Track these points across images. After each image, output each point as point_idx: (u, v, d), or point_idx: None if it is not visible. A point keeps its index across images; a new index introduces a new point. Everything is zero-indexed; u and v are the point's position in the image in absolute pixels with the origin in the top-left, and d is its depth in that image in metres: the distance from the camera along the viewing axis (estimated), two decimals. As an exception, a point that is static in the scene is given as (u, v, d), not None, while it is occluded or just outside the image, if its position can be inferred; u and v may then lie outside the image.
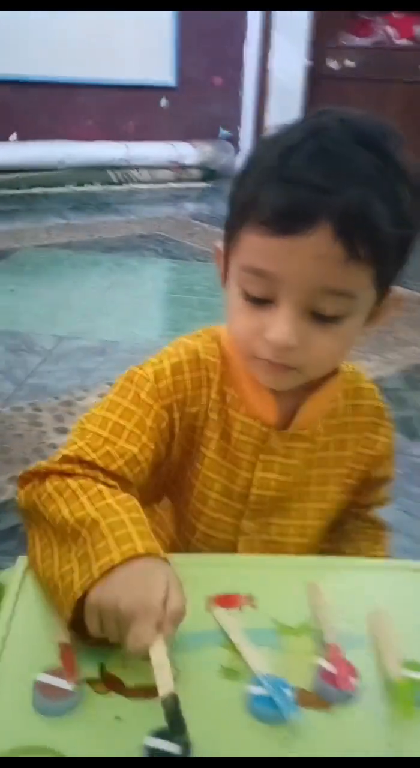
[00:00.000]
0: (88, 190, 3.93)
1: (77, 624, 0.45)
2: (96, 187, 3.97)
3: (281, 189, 0.47)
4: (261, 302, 0.50)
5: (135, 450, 0.54)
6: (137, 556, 0.45)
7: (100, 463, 0.52)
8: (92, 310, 2.25)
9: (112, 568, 0.44)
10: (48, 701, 0.41)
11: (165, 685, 0.40)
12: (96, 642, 0.45)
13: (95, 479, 0.51)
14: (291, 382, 0.54)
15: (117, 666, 0.45)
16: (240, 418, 0.58)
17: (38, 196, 3.74)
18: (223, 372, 0.59)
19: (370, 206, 0.46)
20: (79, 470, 0.52)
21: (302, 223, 0.46)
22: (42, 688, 0.42)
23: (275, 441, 0.59)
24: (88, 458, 0.52)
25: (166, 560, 0.47)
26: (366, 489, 0.66)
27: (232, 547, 0.61)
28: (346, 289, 0.49)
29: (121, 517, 0.47)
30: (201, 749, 0.39)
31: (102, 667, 0.44)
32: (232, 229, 0.52)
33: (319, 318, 0.50)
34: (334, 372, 0.59)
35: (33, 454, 1.41)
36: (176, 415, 0.57)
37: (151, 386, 0.56)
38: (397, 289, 0.54)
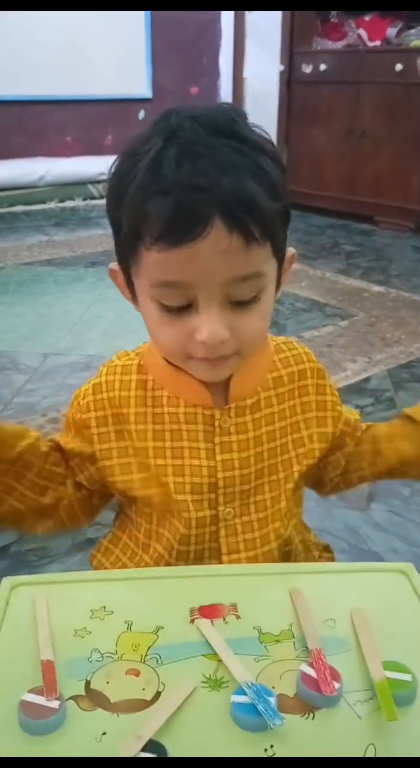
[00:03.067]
0: (70, 206, 3.94)
1: None
2: (77, 203, 3.98)
3: (163, 201, 0.48)
4: (181, 309, 0.52)
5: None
6: None
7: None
8: (77, 325, 2.26)
9: None
10: (33, 720, 0.41)
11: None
12: None
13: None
14: (232, 369, 0.57)
15: (102, 682, 0.45)
16: (182, 411, 0.61)
17: (19, 214, 3.74)
18: (151, 380, 0.61)
19: (248, 188, 0.48)
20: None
21: (195, 226, 0.47)
22: (27, 708, 0.42)
23: (223, 420, 0.60)
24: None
25: None
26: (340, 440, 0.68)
27: (214, 538, 0.61)
28: (254, 271, 0.51)
29: None
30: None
31: (87, 684, 0.45)
32: (126, 250, 0.53)
33: (239, 304, 0.52)
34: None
35: (22, 473, 1.41)
36: (96, 431, 0.61)
37: (75, 405, 0.63)
38: (289, 249, 0.58)
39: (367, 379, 1.87)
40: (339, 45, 3.77)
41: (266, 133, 0.54)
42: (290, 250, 0.58)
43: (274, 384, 0.63)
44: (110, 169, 0.54)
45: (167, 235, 0.48)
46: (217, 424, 0.61)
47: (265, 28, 3.94)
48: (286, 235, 0.56)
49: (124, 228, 0.52)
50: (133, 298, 0.58)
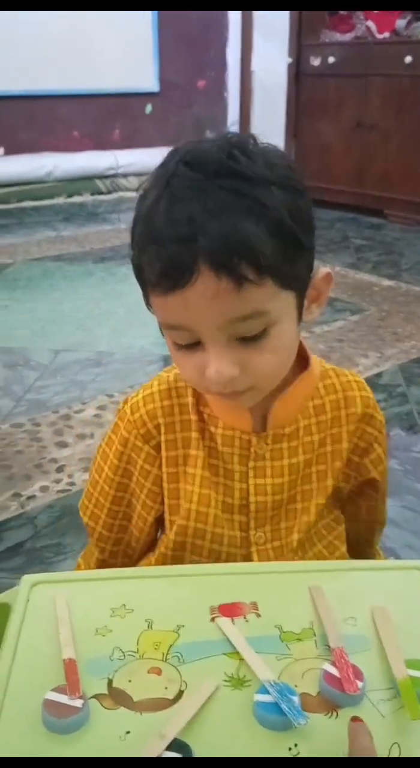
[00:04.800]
0: (78, 201, 3.94)
1: None
2: (85, 198, 3.98)
3: (155, 252, 0.49)
4: (192, 346, 0.52)
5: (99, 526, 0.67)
6: None
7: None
8: (86, 321, 2.26)
9: None
10: (57, 719, 0.42)
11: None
12: None
13: None
14: (253, 400, 0.56)
15: (124, 681, 0.45)
16: (220, 432, 0.61)
17: (28, 209, 3.75)
18: (198, 394, 0.62)
19: (237, 231, 0.46)
20: None
21: (183, 275, 0.47)
22: (50, 706, 0.42)
23: (260, 446, 0.61)
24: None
25: None
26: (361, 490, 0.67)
27: (246, 560, 0.62)
28: (252, 311, 0.49)
29: None
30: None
31: (109, 683, 0.45)
32: (141, 288, 0.54)
33: (247, 340, 0.51)
34: (302, 369, 0.61)
35: (34, 470, 1.42)
36: (154, 442, 0.62)
37: (128, 419, 0.63)
38: (321, 269, 0.55)
39: (379, 375, 1.86)
40: (347, 37, 3.74)
41: (280, 153, 0.52)
42: (322, 271, 0.56)
43: (315, 412, 0.62)
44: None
45: (160, 283, 0.49)
46: (253, 450, 0.61)
47: (273, 20, 3.91)
48: (309, 261, 0.53)
49: (135, 267, 0.53)
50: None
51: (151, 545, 0.68)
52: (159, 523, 0.66)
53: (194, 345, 0.52)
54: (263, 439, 0.61)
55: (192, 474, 0.62)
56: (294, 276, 0.51)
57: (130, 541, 0.67)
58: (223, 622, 0.49)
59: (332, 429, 0.63)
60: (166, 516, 0.64)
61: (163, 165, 0.51)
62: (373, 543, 0.73)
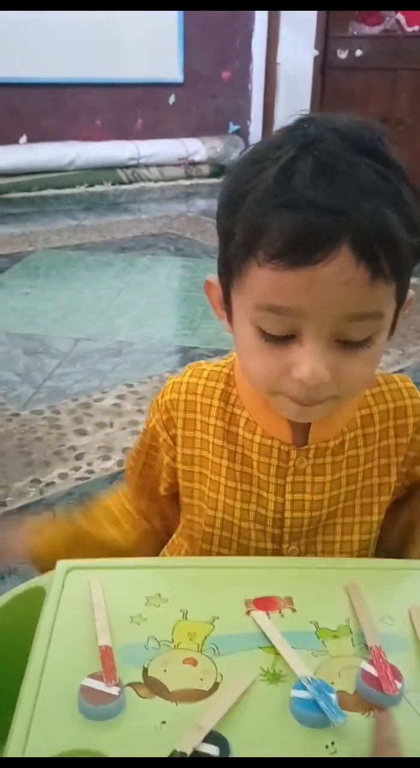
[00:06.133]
0: (99, 191, 3.94)
1: None
2: (106, 187, 3.98)
3: (289, 216, 0.43)
4: (281, 339, 0.47)
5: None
6: None
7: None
8: (107, 311, 2.26)
9: None
10: (94, 706, 0.41)
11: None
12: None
13: None
14: (326, 412, 0.51)
15: (159, 670, 0.45)
16: (257, 440, 0.57)
17: (49, 198, 3.76)
18: (235, 396, 0.58)
19: (386, 218, 0.43)
20: None
21: (319, 250, 0.42)
22: (87, 693, 0.42)
23: (300, 460, 0.56)
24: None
25: None
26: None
27: None
28: (374, 311, 0.46)
29: None
30: (244, 753, 0.39)
31: (145, 671, 0.45)
32: (233, 264, 0.47)
33: (349, 344, 0.47)
34: None
35: (53, 457, 1.42)
36: (173, 431, 0.60)
37: (156, 399, 0.61)
38: (409, 291, 0.52)
39: (400, 372, 1.84)
40: (376, 30, 3.69)
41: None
42: (410, 293, 0.51)
43: (362, 423, 0.57)
44: (227, 176, 0.49)
45: (286, 254, 0.43)
46: (291, 463, 0.56)
47: (300, 12, 3.87)
48: (411, 276, 0.49)
49: (237, 238, 0.46)
50: (228, 317, 0.53)
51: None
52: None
53: (285, 339, 0.47)
54: (304, 453, 0.56)
55: (216, 482, 0.59)
56: (406, 286, 0.48)
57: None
58: (259, 615, 0.49)
59: (381, 442, 0.58)
60: (182, 513, 0.63)
61: (298, 128, 0.46)
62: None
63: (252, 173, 0.46)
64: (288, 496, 0.57)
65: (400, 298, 0.49)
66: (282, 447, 0.56)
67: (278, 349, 0.47)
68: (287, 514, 0.57)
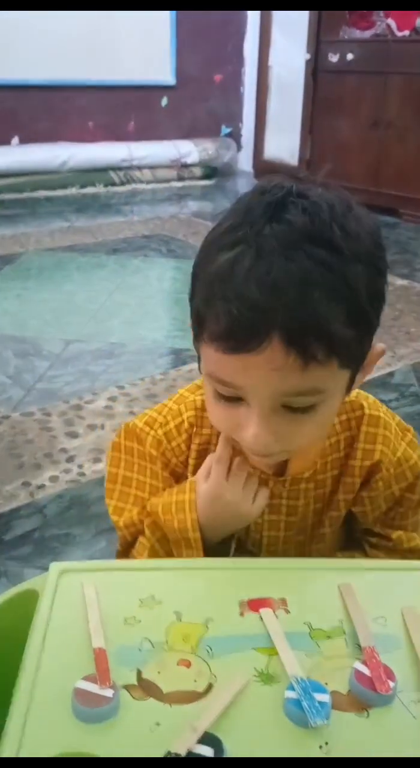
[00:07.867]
0: (91, 192, 3.93)
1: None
2: (99, 189, 3.97)
3: (224, 308, 0.46)
4: (233, 399, 0.50)
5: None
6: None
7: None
8: (98, 312, 2.25)
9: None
10: (87, 708, 0.41)
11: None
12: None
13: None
14: (278, 461, 0.56)
15: (153, 672, 0.45)
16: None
17: (41, 199, 3.74)
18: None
19: (320, 309, 0.45)
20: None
21: (251, 340, 0.45)
22: (81, 695, 0.42)
23: (277, 488, 0.61)
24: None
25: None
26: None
27: None
28: (311, 388, 0.48)
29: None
30: (238, 754, 0.39)
31: (139, 673, 0.45)
32: (195, 329, 0.51)
33: (293, 409, 0.49)
34: None
35: (44, 459, 1.41)
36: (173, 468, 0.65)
37: (165, 447, 0.64)
38: (377, 345, 0.53)
39: (391, 374, 1.85)
40: (367, 34, 3.71)
41: (373, 221, 0.50)
42: (379, 347, 0.53)
43: (330, 450, 0.62)
44: (207, 235, 0.51)
45: (224, 339, 0.47)
46: (269, 488, 0.61)
47: (292, 16, 3.88)
48: (371, 340, 0.51)
49: (194, 309, 0.50)
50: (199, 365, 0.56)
51: None
52: None
53: (237, 399, 0.50)
54: (281, 483, 0.61)
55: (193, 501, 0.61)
56: (357, 354, 0.50)
57: None
58: (266, 613, 0.49)
59: (348, 461, 0.62)
60: None
61: (251, 210, 0.47)
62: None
63: (210, 257, 0.49)
64: (265, 516, 0.61)
65: (353, 365, 0.50)
66: (261, 475, 0.61)
67: (231, 407, 0.51)
68: (265, 533, 0.62)
